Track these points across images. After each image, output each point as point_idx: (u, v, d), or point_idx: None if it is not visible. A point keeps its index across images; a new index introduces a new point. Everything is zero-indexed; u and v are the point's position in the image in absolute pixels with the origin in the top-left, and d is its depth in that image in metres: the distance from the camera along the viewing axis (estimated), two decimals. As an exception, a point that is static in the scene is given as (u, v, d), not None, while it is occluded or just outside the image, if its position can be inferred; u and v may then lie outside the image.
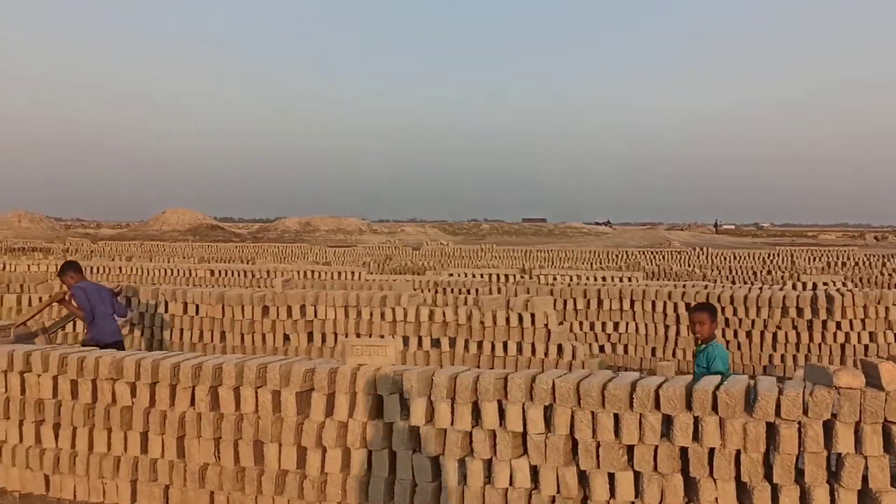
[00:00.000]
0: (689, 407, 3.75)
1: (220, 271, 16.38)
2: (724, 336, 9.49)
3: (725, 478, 3.69)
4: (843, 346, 9.15)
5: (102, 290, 7.39)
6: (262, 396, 4.47)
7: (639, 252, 30.81)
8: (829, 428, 3.59)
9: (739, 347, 9.42)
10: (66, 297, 7.37)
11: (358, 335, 8.56)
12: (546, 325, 7.89)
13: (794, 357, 9.20)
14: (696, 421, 3.73)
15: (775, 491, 3.64)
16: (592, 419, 3.87)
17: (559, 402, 3.94)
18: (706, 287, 10.13)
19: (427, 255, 32.52)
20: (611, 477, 3.86)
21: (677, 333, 9.72)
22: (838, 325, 9.12)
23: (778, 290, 9.69)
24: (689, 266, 24.23)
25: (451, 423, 4.12)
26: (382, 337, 8.52)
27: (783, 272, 20.38)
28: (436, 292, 12.00)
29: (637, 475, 3.83)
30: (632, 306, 9.91)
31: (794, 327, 9.21)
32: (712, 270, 21.41)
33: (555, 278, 14.19)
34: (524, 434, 4.04)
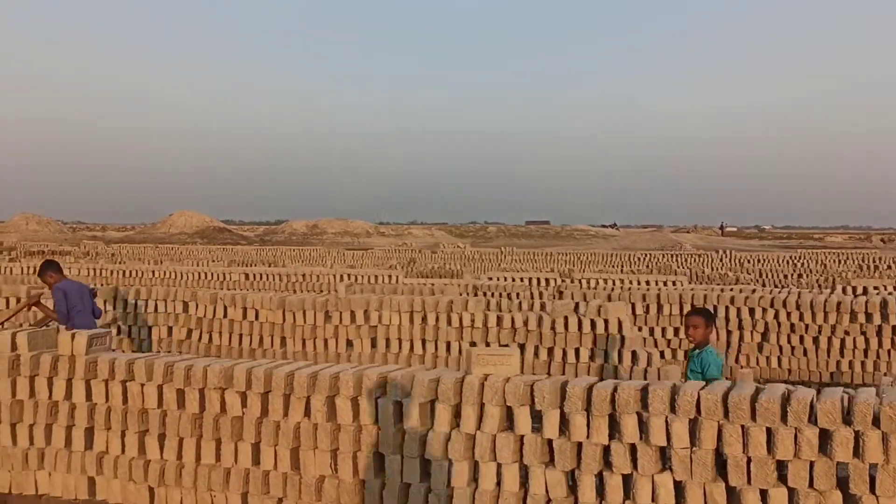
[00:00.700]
0: (846, 421, 3.62)
1: (254, 275, 16.27)
2: (789, 342, 9.35)
3: (889, 494, 3.55)
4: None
5: (83, 289, 7.20)
6: (372, 407, 4.33)
7: (661, 255, 30.59)
8: None
9: (805, 353, 9.26)
10: (40, 300, 7.22)
11: (424, 341, 8.44)
12: (620, 331, 7.76)
13: (863, 363, 9.04)
14: (857, 436, 3.59)
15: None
16: (743, 433, 3.73)
17: (705, 415, 3.80)
18: (771, 292, 9.93)
19: (446, 258, 32.36)
20: (762, 494, 3.72)
21: (741, 340, 9.56)
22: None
23: (843, 295, 9.52)
24: (721, 269, 24.01)
25: (588, 437, 3.99)
26: (448, 344, 8.41)
27: (817, 276, 20.18)
28: (484, 295, 11.85)
29: (791, 492, 3.69)
30: (693, 311, 9.73)
31: (863, 333, 9.04)
32: (744, 274, 21.23)
33: (597, 282, 14.03)
34: (662, 448, 3.91)
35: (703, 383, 4.06)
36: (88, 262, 18.93)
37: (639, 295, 10.01)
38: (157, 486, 4.75)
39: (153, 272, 16.97)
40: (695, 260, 28.98)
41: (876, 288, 12.41)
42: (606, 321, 7.78)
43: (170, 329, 9.34)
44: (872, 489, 3.59)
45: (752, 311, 9.53)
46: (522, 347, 8.16)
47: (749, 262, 27.67)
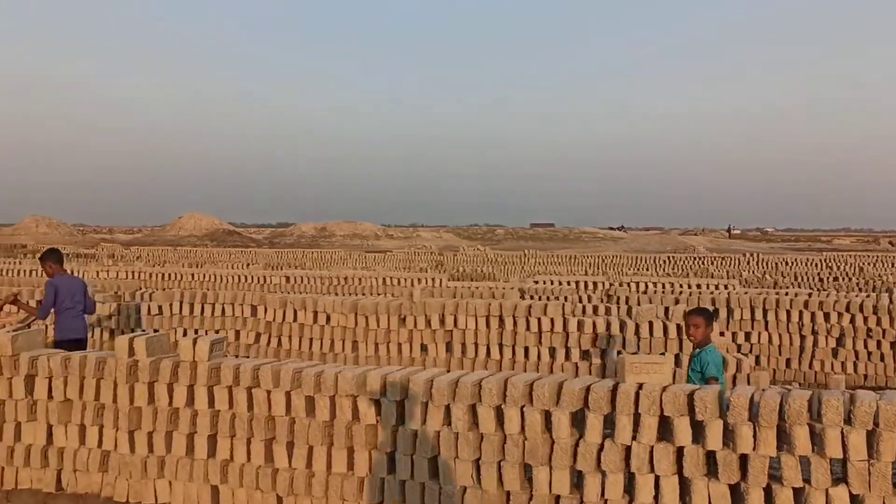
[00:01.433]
0: None
1: (295, 277, 16.18)
2: (865, 347, 9.19)
3: None
4: None
5: (76, 285, 7.03)
6: (530, 416, 4.20)
7: (685, 258, 30.37)
8: None
9: (883, 359, 9.11)
10: (17, 297, 7.08)
11: (501, 346, 8.32)
12: (707, 337, 7.60)
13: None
14: None
15: None
16: (927, 445, 3.59)
17: (884, 426, 3.66)
18: (847, 296, 9.76)
19: (468, 261, 32.21)
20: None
21: (815, 345, 9.40)
22: None
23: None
24: (749, 272, 23.83)
25: (754, 448, 3.85)
26: (526, 349, 8.28)
27: (856, 279, 19.99)
28: (539, 299, 11.72)
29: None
30: (764, 315, 9.60)
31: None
32: (780, 277, 21.06)
33: (647, 286, 13.88)
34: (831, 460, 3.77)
35: (877, 395, 3.92)
36: (126, 265, 18.83)
37: (708, 299, 9.86)
38: (286, 496, 4.63)
39: (192, 275, 16.90)
40: (726, 263, 28.78)
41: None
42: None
43: (237, 333, 9.23)
44: None
45: (826, 316, 9.38)
46: (604, 352, 8.04)
47: (777, 265, 27.47)
